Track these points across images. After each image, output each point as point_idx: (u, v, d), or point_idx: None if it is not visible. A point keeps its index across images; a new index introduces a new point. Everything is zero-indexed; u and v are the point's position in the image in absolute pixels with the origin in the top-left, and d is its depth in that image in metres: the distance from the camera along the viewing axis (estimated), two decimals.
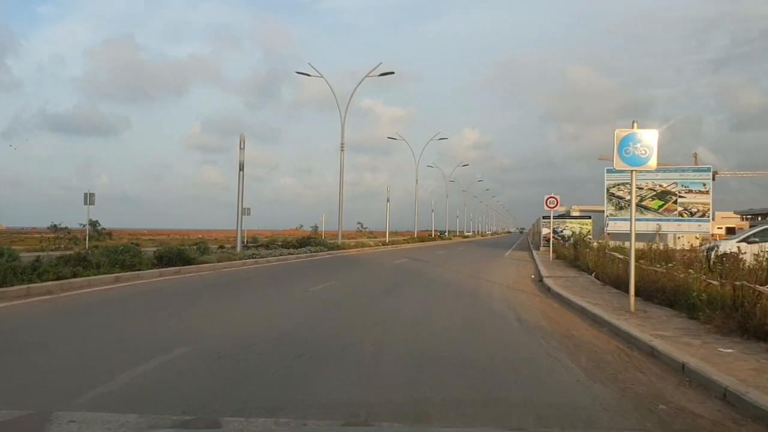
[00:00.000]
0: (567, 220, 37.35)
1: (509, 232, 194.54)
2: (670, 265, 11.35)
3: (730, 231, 74.77)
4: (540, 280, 15.52)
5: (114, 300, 10.42)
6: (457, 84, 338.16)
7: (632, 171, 9.23)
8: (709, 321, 7.47)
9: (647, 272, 10.75)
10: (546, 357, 6.15)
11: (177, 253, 16.95)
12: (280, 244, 26.70)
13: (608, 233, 35.73)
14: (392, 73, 31.10)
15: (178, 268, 16.09)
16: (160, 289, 12.08)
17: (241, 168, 22.39)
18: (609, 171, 37.09)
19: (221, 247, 23.55)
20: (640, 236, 32.45)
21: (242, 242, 26.32)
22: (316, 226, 68.93)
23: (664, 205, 35.46)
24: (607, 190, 36.71)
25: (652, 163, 9.06)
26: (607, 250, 17.62)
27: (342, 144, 31.68)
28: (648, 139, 9.01)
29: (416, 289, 13.18)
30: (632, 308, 8.99)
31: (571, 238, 36.55)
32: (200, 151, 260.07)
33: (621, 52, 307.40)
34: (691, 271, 10.25)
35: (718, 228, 69.49)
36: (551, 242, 26.98)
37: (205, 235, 65.48)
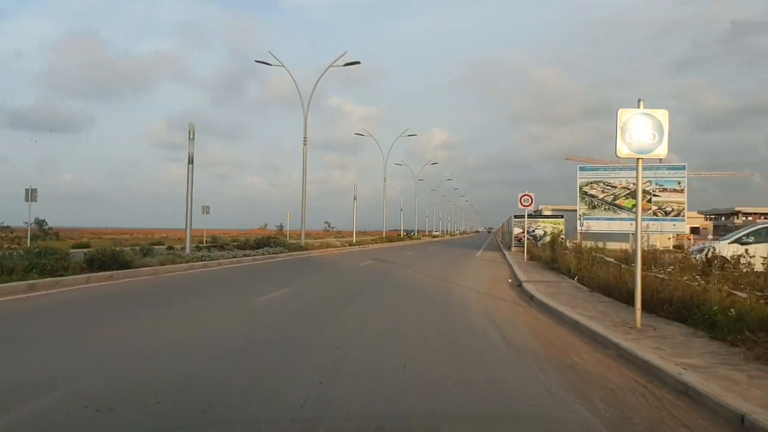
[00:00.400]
0: (539, 219, 36.25)
1: (477, 231, 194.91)
2: (669, 269, 9.93)
3: (695, 231, 75.42)
4: (519, 285, 14.04)
5: (8, 316, 8.45)
6: (426, 83, 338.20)
7: (638, 159, 7.73)
8: (738, 343, 6.01)
9: (648, 279, 9.30)
10: (552, 403, 4.54)
11: (111, 256, 14.90)
12: (236, 244, 24.68)
13: (581, 233, 34.76)
14: (358, 62, 29.36)
15: (110, 272, 14.07)
16: (74, 301, 10.11)
17: (191, 161, 20.37)
18: (582, 169, 36.19)
19: (170, 248, 21.49)
20: (614, 236, 31.39)
21: (194, 243, 24.25)
22: (281, 226, 66.89)
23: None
24: (580, 188, 35.73)
25: (662, 149, 7.55)
26: (594, 252, 16.23)
27: (305, 138, 29.82)
28: (656, 121, 7.53)
29: (382, 298, 11.51)
30: (638, 323, 7.49)
31: (544, 238, 35.48)
32: (166, 149, 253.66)
33: (588, 54, 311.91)
34: (697, 277, 8.85)
35: None
36: (525, 242, 25.65)
37: (169, 234, 63.01)
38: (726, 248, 13.41)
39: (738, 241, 14.49)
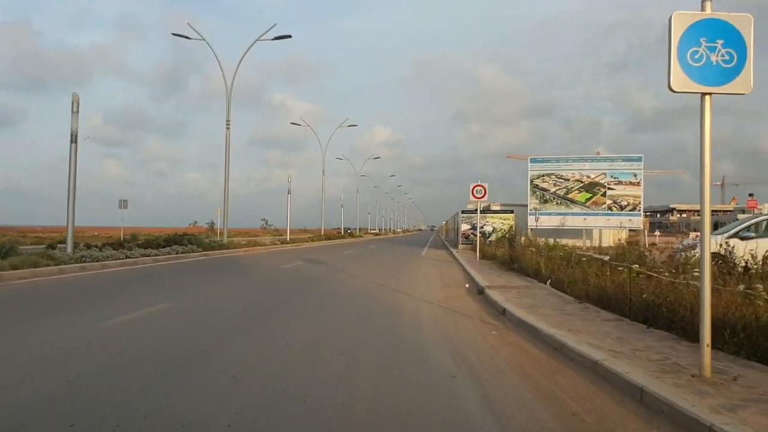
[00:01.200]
0: (488, 215, 33.72)
1: (420, 229, 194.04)
2: (696, 273, 7.07)
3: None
4: (480, 292, 11.04)
5: None
6: (371, 81, 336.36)
7: (704, 95, 4.66)
8: None
9: (687, 293, 6.40)
10: None
11: None
12: (138, 243, 20.69)
13: (532, 228, 32.46)
14: (289, 36, 25.75)
15: None
16: None
17: (74, 139, 16.31)
18: (533, 161, 33.86)
19: (50, 246, 17.38)
20: (566, 232, 29.07)
21: (101, 242, 20.27)
22: (212, 223, 62.20)
23: (591, 198, 32.62)
24: (531, 181, 33.41)
25: (745, 78, 4.54)
26: (561, 249, 13.50)
27: (227, 121, 25.96)
28: (734, 32, 4.54)
29: (300, 317, 8.21)
30: (707, 370, 4.49)
31: (493, 235, 32.99)
32: (102, 145, 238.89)
33: (528, 55, 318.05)
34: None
35: None
36: (477, 239, 22.88)
37: (100, 232, 58.10)
38: (729, 244, 10.89)
39: (737, 235, 12.05)
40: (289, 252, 26.70)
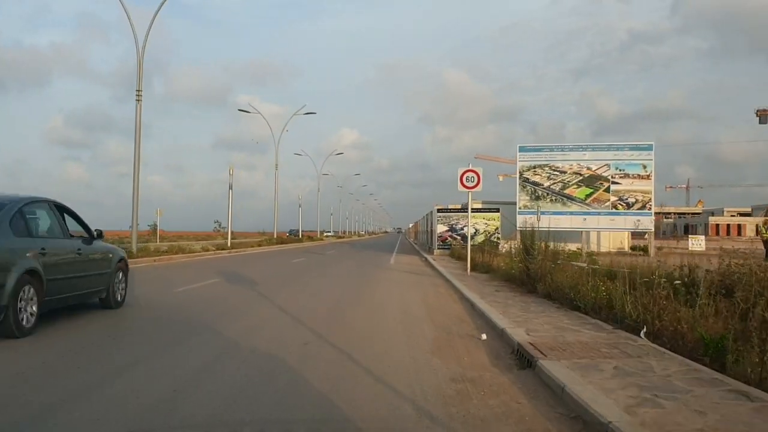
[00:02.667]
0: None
1: (386, 232, 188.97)
2: None
3: None
4: (526, 362, 5.33)
5: None
6: (336, 84, 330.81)
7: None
8: None
9: None
10: None
11: None
12: None
13: (520, 230, 27.20)
14: None
15: None
16: None
17: None
18: (522, 149, 28.35)
19: None
20: (560, 234, 23.44)
21: None
22: (155, 225, 55.22)
23: (592, 193, 27.30)
24: (520, 174, 27.95)
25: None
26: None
27: (138, 91, 19.73)
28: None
29: None
30: None
31: (475, 238, 27.51)
32: (62, 147, 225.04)
33: (493, 60, 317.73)
34: None
35: None
36: (468, 247, 17.25)
37: None
38: None
39: None
40: (218, 262, 20.54)
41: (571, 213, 26.29)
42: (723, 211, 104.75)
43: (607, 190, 26.02)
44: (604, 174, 26.13)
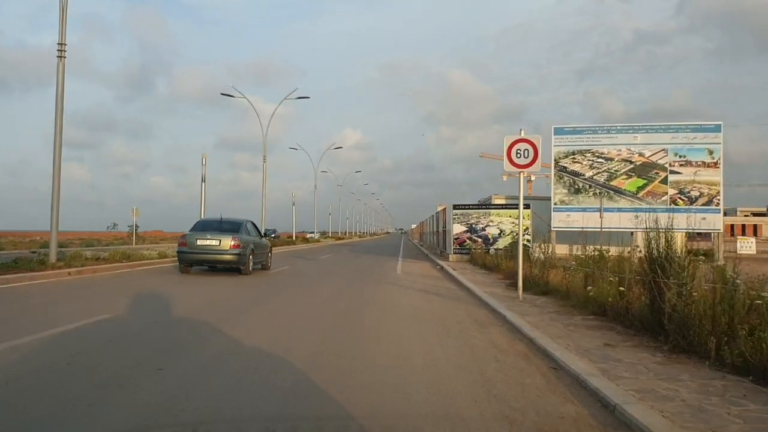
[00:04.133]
0: (492, 210, 23.27)
1: (388, 233, 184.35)
2: None
3: None
4: None
5: None
6: (340, 84, 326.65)
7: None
8: None
9: None
10: None
11: None
12: None
13: (555, 230, 22.36)
14: None
15: None
16: None
17: None
18: (558, 131, 23.21)
19: None
20: (595, 236, 18.30)
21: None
22: (136, 226, 50.37)
23: (646, 185, 22.21)
24: (556, 162, 22.89)
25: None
26: None
27: (61, 44, 14.79)
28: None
29: None
30: None
31: (498, 241, 22.61)
32: (65, 147, 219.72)
33: (497, 60, 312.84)
34: None
35: None
36: (519, 250, 12.35)
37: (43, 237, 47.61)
38: None
39: None
40: (156, 277, 15.55)
41: (619, 210, 21.34)
42: (736, 211, 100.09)
43: (664, 181, 21.06)
44: (660, 161, 21.17)
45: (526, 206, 22.56)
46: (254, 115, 35.79)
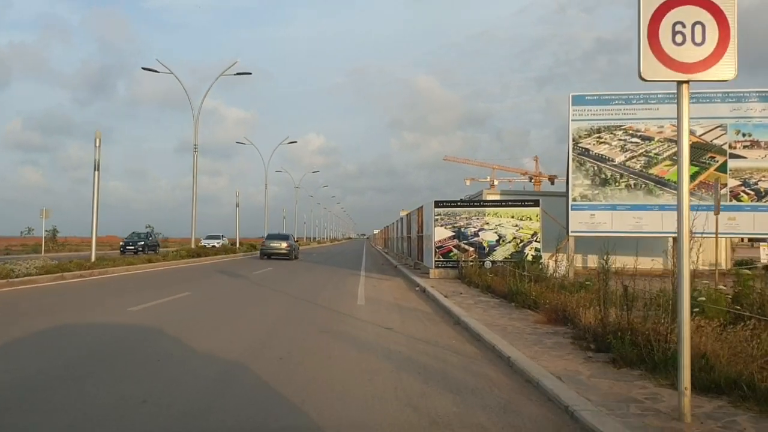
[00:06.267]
0: (488, 209, 17.20)
1: (350, 238, 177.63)
2: None
3: None
4: None
5: None
6: (305, 89, 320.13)
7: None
8: None
9: None
10: None
11: None
12: None
13: (573, 235, 16.54)
14: None
15: None
16: None
17: None
18: (578, 101, 16.27)
19: None
20: (627, 243, 12.31)
21: None
22: (55, 230, 42.73)
23: (697, 174, 16.53)
24: (575, 144, 16.99)
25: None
26: None
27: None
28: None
29: None
30: None
31: (496, 251, 16.58)
32: (20, 150, 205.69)
33: (460, 67, 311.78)
34: None
35: None
36: (685, 316, 6.20)
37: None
38: None
39: None
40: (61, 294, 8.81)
41: (660, 207, 15.67)
42: None
43: (723, 168, 15.56)
44: (717, 141, 15.65)
45: (535, 203, 16.62)
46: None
